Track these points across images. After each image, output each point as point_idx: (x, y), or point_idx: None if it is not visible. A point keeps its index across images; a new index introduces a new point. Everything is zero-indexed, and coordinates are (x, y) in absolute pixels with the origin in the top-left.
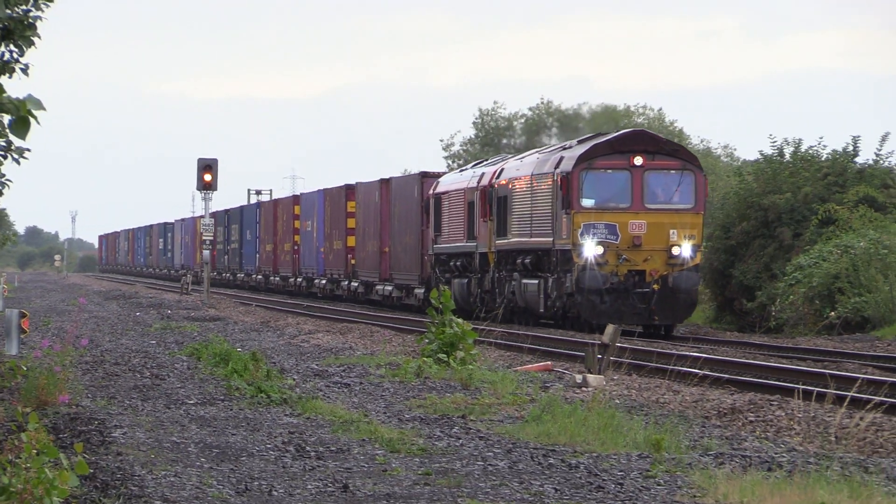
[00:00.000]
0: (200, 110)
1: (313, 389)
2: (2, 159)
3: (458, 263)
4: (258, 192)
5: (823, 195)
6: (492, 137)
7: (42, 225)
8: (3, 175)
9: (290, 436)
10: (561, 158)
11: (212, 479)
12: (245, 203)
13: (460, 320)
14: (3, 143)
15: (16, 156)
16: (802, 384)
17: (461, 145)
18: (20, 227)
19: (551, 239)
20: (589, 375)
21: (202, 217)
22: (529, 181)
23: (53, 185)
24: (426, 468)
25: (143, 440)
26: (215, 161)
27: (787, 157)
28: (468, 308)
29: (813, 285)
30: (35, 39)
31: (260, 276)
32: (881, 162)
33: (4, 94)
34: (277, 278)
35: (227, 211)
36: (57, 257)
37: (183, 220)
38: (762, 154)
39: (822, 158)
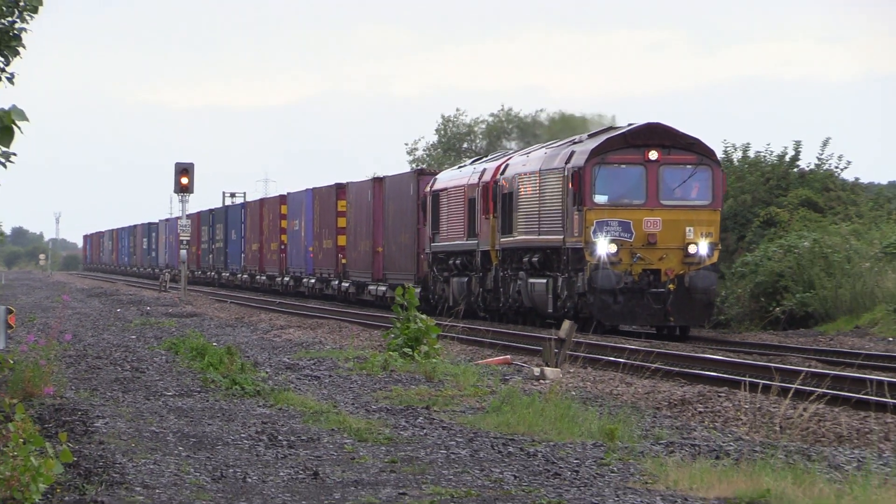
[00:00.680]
0: (178, 118)
1: (285, 382)
2: None
3: (458, 262)
4: (233, 195)
5: (766, 199)
6: (454, 142)
7: (27, 226)
8: None
9: (264, 426)
10: (572, 153)
11: (189, 467)
12: (220, 205)
13: (424, 316)
14: None
15: (2, 160)
16: (749, 377)
17: (424, 150)
18: (6, 228)
19: (561, 237)
20: (546, 368)
21: (179, 218)
22: (537, 177)
23: (38, 188)
24: (392, 456)
25: (124, 430)
26: (192, 165)
27: (735, 161)
28: (467, 306)
29: (758, 281)
30: (20, 49)
31: (245, 276)
32: (822, 166)
33: None
34: (264, 277)
35: (211, 211)
36: (41, 256)
37: (167, 220)
38: None
39: (768, 163)
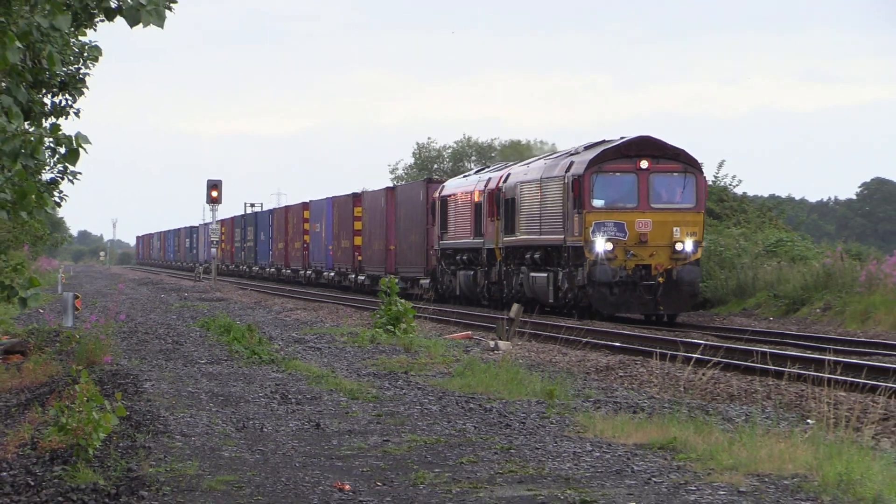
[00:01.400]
0: (209, 143)
1: (293, 352)
2: (60, 180)
3: (465, 257)
4: (252, 205)
5: None
6: (426, 164)
7: (90, 229)
8: (62, 192)
9: (277, 387)
10: (571, 163)
11: (218, 419)
12: (241, 212)
13: (403, 300)
14: (61, 168)
15: (70, 178)
16: (659, 349)
17: (403, 169)
18: (74, 231)
19: (562, 236)
20: (499, 342)
21: (210, 224)
22: (538, 184)
23: (99, 199)
24: (378, 411)
25: (167, 390)
26: (220, 182)
27: None
28: (472, 297)
29: None
30: (84, 90)
31: (272, 269)
32: (718, 182)
33: (60, 132)
34: (288, 271)
35: (243, 216)
36: (101, 253)
37: (206, 224)
38: None
39: None
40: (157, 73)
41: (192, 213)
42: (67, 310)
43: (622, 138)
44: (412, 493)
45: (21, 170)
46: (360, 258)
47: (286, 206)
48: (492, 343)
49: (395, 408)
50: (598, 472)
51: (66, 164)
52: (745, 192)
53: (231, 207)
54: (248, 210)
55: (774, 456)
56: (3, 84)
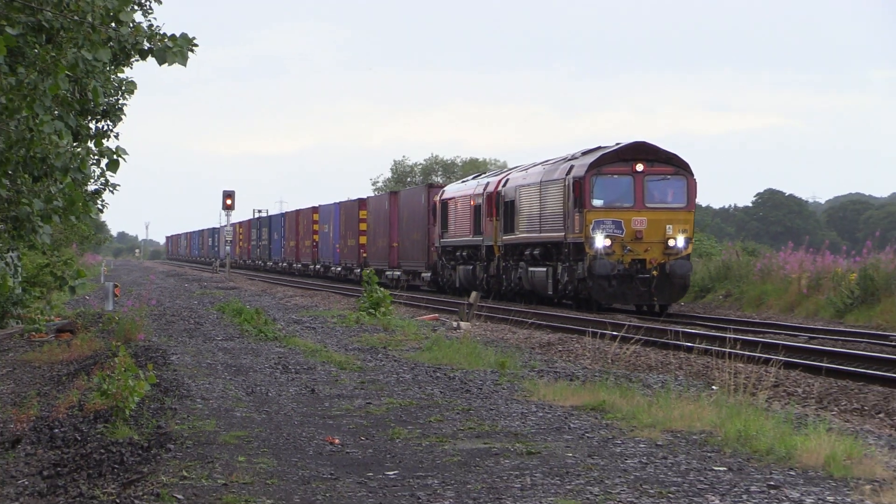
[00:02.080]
0: (225, 160)
1: (293, 331)
2: (102, 190)
3: (465, 254)
4: (259, 210)
5: None
6: (401, 177)
7: (127, 230)
8: (104, 201)
9: (279, 359)
10: (571, 167)
11: (231, 386)
12: (250, 217)
13: (382, 288)
14: (103, 181)
15: (111, 189)
16: (591, 328)
17: (382, 182)
18: (114, 232)
19: (562, 234)
20: (461, 322)
21: (225, 226)
22: (538, 187)
23: (134, 205)
24: (362, 379)
25: (189, 362)
26: (233, 192)
27: None
28: (471, 288)
29: None
30: (122, 117)
31: (284, 264)
32: None
33: (104, 146)
34: (299, 265)
35: (259, 218)
36: (136, 251)
37: (226, 226)
38: None
39: None
40: (180, 102)
41: (211, 216)
42: (108, 296)
43: (618, 144)
44: (389, 445)
45: (70, 182)
46: (364, 255)
47: (297, 210)
48: (455, 323)
49: (375, 376)
50: (542, 428)
51: (107, 178)
52: None
53: (242, 212)
54: (256, 214)
55: (685, 416)
56: (56, 112)
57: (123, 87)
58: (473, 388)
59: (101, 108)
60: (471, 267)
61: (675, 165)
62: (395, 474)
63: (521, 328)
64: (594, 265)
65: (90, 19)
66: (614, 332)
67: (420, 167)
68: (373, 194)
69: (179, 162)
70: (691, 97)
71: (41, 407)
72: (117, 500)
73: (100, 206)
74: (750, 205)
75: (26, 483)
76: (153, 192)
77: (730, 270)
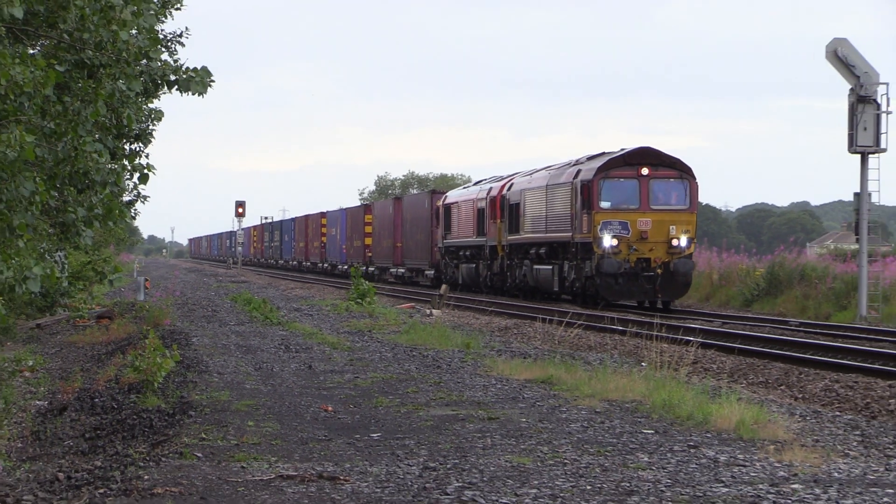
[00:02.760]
0: (237, 175)
1: (293, 317)
2: (135, 201)
3: (468, 253)
4: (265, 217)
5: None
6: (384, 190)
7: (156, 234)
8: (136, 209)
9: (282, 340)
10: (579, 171)
11: (242, 363)
12: (258, 223)
13: (367, 282)
14: (136, 192)
15: (142, 200)
16: (541, 315)
17: (368, 194)
18: (144, 235)
19: (570, 234)
20: (434, 310)
21: (237, 230)
22: (544, 190)
23: (162, 212)
24: (351, 357)
25: (207, 343)
26: (244, 201)
27: None
28: (474, 285)
29: None
30: (152, 139)
31: (294, 262)
32: None
33: (136, 162)
34: (308, 263)
35: (271, 223)
36: (164, 251)
37: (243, 229)
38: None
39: None
40: (200, 127)
41: (225, 221)
42: (140, 289)
43: (623, 150)
44: (374, 412)
45: (108, 193)
46: (370, 254)
47: (306, 215)
48: (428, 311)
49: (362, 355)
50: (500, 398)
51: (139, 190)
52: None
53: (251, 219)
54: (263, 220)
55: (619, 388)
56: (97, 135)
57: (153, 116)
58: (443, 365)
59: (134, 132)
60: (474, 265)
61: (678, 169)
62: (378, 436)
63: (484, 315)
64: (602, 263)
65: (125, 56)
66: (560, 318)
67: (399, 181)
68: (362, 203)
69: (199, 176)
70: (627, 121)
71: (84, 380)
72: (147, 458)
73: (133, 214)
74: None
75: (71, 444)
76: (177, 201)
77: None
